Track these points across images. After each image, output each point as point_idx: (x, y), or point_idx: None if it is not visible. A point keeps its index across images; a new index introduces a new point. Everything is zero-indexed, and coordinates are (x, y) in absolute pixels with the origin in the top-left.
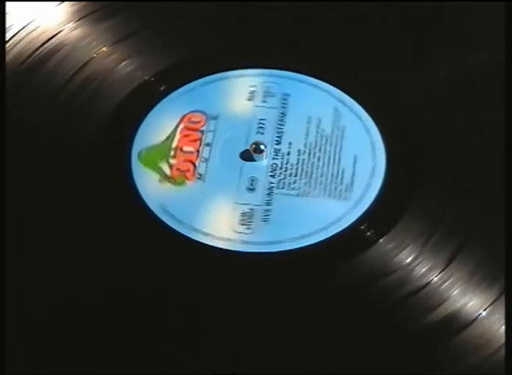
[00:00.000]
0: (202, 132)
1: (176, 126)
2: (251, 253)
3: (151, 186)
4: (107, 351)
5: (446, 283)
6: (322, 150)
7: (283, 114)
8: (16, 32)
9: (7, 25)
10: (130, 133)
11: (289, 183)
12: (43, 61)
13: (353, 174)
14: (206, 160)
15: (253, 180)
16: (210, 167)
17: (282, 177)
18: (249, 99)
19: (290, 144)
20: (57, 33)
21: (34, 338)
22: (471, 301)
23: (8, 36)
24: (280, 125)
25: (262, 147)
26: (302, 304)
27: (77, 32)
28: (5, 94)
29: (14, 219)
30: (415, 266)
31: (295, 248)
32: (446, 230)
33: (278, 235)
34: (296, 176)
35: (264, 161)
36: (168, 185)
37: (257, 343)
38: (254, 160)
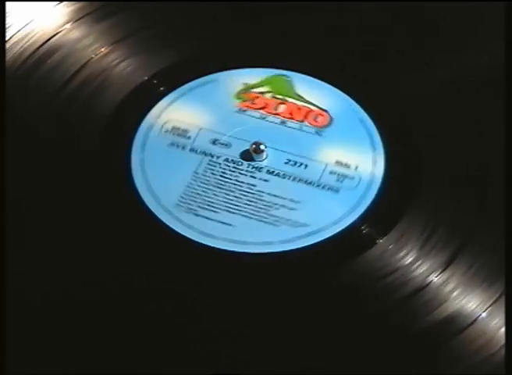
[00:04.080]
0: None
1: None
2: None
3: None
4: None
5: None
6: None
7: None
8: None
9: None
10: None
11: None
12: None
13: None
14: None
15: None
16: None
17: None
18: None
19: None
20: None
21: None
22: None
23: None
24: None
25: (262, 147)
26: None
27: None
28: (4, 94)
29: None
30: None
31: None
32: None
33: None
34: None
35: (265, 161)
36: None
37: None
38: (253, 160)
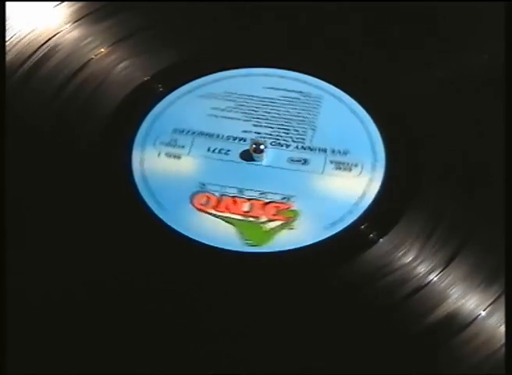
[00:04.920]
0: None
1: None
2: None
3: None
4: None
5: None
6: None
7: None
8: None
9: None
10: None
11: None
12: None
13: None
14: None
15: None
16: None
17: None
18: None
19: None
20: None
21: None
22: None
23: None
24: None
25: (262, 147)
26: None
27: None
28: (4, 94)
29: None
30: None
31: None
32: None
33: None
34: None
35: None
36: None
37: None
38: (253, 160)
